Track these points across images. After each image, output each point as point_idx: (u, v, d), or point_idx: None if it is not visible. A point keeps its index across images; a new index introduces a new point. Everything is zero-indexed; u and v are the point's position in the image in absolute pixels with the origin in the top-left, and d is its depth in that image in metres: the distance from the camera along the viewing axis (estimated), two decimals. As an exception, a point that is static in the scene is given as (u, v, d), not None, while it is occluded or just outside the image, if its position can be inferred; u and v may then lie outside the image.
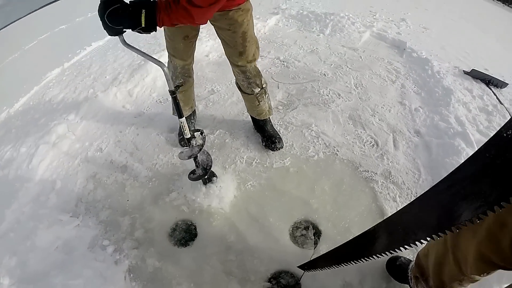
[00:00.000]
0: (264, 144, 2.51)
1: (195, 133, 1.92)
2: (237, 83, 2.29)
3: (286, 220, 2.08)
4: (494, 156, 0.70)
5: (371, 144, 2.45)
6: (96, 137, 2.75)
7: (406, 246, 0.98)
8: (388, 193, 2.11)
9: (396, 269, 1.72)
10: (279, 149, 2.47)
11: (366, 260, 1.22)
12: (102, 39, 3.90)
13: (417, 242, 0.93)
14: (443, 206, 0.83)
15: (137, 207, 2.35)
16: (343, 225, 1.98)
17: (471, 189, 0.74)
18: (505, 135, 0.69)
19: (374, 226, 1.17)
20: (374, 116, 2.64)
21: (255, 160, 2.49)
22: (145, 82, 3.08)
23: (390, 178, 2.19)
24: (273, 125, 2.57)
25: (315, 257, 1.70)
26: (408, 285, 1.67)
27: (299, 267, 1.78)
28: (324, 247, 1.90)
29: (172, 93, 1.69)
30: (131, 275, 2.02)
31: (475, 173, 0.74)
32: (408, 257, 1.78)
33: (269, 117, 2.49)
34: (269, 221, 2.09)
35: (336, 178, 2.27)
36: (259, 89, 2.23)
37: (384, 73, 3.09)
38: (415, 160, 2.30)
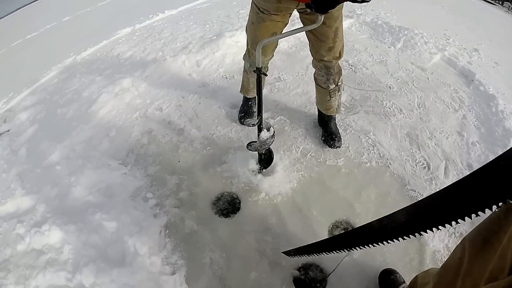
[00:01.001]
0: (323, 139, 2.45)
1: (269, 128, 1.93)
2: (315, 76, 2.25)
3: (327, 217, 2.04)
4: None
5: (423, 165, 2.35)
6: (158, 97, 2.74)
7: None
8: None
9: (388, 283, 1.66)
10: (337, 147, 2.40)
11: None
12: (175, 8, 3.95)
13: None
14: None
15: (187, 170, 2.30)
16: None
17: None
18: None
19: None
20: (431, 139, 2.55)
21: (310, 152, 2.43)
22: (214, 56, 3.08)
23: None
24: (336, 124, 2.52)
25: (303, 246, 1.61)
26: None
27: (284, 252, 1.74)
28: (356, 254, 1.83)
29: (259, 70, 1.67)
30: (167, 231, 2.00)
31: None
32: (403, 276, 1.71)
33: (335, 115, 2.44)
34: (312, 213, 2.05)
35: (383, 190, 2.19)
36: (335, 85, 2.19)
37: (448, 99, 2.97)
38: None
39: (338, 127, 2.50)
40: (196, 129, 2.55)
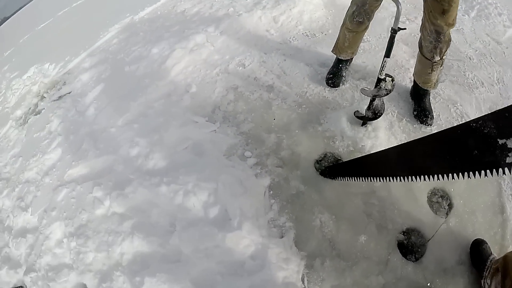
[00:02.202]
0: (415, 113, 2.23)
1: (387, 78, 1.78)
2: (420, 44, 2.02)
3: (427, 183, 1.86)
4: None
5: None
6: (238, 53, 2.46)
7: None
8: (511, 194, 1.96)
9: (478, 252, 1.70)
10: (428, 125, 2.18)
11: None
12: None
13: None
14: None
15: (284, 128, 2.03)
16: (471, 206, 1.87)
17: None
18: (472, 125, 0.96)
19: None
20: None
21: (405, 118, 2.21)
22: (291, 13, 2.78)
23: None
24: (430, 100, 2.30)
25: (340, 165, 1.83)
26: (477, 269, 1.64)
27: (321, 174, 1.86)
28: (452, 220, 1.81)
29: (394, 31, 1.64)
30: (271, 192, 1.80)
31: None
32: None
33: (431, 90, 2.23)
34: None
35: None
36: (439, 58, 1.97)
37: None
38: None
39: (431, 102, 2.28)
40: (287, 86, 2.26)
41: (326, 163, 1.94)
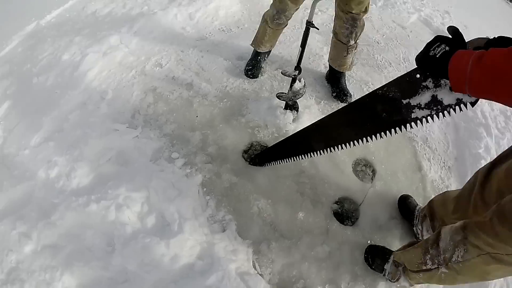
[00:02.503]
0: (334, 95, 2.39)
1: (300, 79, 1.93)
2: (335, 30, 2.15)
3: (349, 155, 2.13)
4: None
5: (436, 117, 2.48)
6: (154, 53, 2.38)
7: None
8: (425, 154, 2.26)
9: (405, 206, 1.92)
10: (347, 102, 2.36)
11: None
12: None
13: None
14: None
15: (207, 124, 2.05)
16: (392, 169, 2.12)
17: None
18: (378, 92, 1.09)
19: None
20: None
21: (323, 100, 2.38)
22: (207, 9, 2.75)
23: (427, 143, 2.33)
24: (346, 81, 2.48)
25: (266, 151, 1.92)
26: (408, 221, 1.89)
27: (249, 163, 1.95)
28: (378, 184, 2.03)
29: (309, 24, 1.72)
30: (205, 189, 1.82)
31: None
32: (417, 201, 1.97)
33: (346, 71, 2.40)
34: (337, 154, 2.05)
35: None
36: (354, 42, 2.12)
37: None
38: (446, 135, 2.41)
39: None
40: (206, 82, 2.25)
41: (253, 152, 1.99)
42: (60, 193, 1.66)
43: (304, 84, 1.98)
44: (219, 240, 1.59)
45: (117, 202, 1.61)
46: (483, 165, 1.44)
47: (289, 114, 2.11)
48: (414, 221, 1.85)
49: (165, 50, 2.41)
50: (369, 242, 1.79)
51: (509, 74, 0.77)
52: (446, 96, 0.99)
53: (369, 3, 1.98)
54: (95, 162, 1.80)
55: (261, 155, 1.91)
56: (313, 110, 2.25)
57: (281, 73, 1.92)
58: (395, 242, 1.83)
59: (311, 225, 1.81)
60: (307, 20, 1.72)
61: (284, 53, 2.63)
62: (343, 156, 2.09)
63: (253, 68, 2.35)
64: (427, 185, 2.08)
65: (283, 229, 1.76)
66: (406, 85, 1.04)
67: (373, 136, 1.23)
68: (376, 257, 1.69)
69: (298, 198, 1.88)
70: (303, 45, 1.81)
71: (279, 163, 1.78)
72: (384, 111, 1.11)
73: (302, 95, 1.99)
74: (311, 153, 1.53)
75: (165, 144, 1.91)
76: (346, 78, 2.45)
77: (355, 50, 2.22)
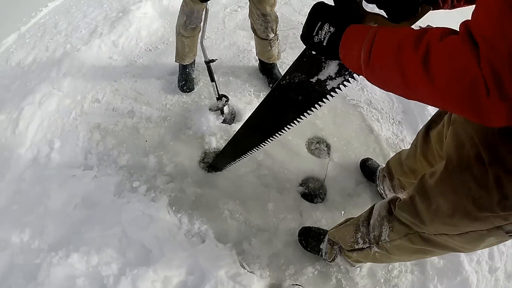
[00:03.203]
0: (271, 85, 2.48)
1: (223, 98, 2.04)
2: (253, 28, 2.22)
3: (301, 138, 2.19)
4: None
5: (352, 80, 2.61)
6: (88, 90, 2.38)
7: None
8: (373, 116, 2.34)
9: (368, 168, 1.99)
10: None
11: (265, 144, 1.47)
12: None
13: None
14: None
15: (159, 146, 2.12)
16: (345, 138, 2.21)
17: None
18: (282, 83, 1.07)
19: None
20: None
21: (262, 93, 2.45)
22: (129, 33, 2.74)
23: (372, 105, 2.40)
24: (279, 69, 2.56)
25: (218, 157, 1.94)
26: (373, 182, 1.95)
27: (208, 171, 2.02)
28: (335, 156, 2.12)
29: (208, 62, 1.87)
30: (173, 207, 1.87)
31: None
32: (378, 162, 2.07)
33: (276, 62, 2.48)
34: (288, 139, 2.15)
35: (331, 105, 2.33)
36: (273, 34, 2.20)
37: None
38: (388, 93, 2.46)
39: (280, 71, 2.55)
40: (146, 105, 2.30)
41: (209, 160, 2.07)
42: (39, 252, 1.68)
43: (232, 110, 2.20)
44: (201, 252, 1.66)
45: (95, 244, 1.67)
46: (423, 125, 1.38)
47: (232, 114, 2.24)
48: (377, 181, 1.90)
49: (99, 84, 2.41)
50: (343, 213, 1.88)
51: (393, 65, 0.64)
52: None
53: None
54: (63, 213, 1.83)
55: (216, 161, 1.99)
56: (254, 104, 2.33)
57: (209, 110, 2.06)
58: (367, 205, 1.79)
59: (284, 212, 1.87)
60: (204, 61, 1.85)
61: (213, 57, 2.68)
62: (295, 140, 2.16)
63: (186, 82, 2.40)
64: (383, 144, 2.18)
65: (258, 223, 1.83)
66: (307, 65, 1.00)
67: (301, 116, 1.21)
68: (309, 238, 1.69)
69: (264, 190, 1.95)
70: (213, 79, 1.93)
71: (234, 163, 1.83)
72: (298, 95, 1.09)
73: (228, 101, 2.09)
74: (256, 146, 1.53)
75: (124, 176, 1.96)
76: (278, 66, 2.53)
77: (278, 41, 2.31)
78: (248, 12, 2.16)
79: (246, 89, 2.46)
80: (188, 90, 2.39)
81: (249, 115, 1.43)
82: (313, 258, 1.72)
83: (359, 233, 1.33)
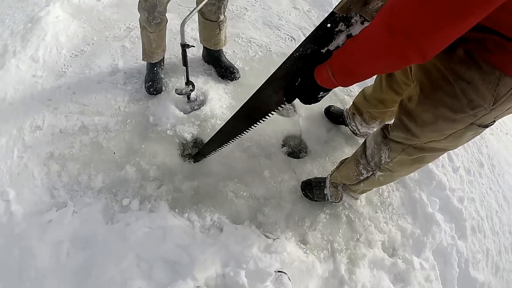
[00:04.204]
0: (220, 75, 2.26)
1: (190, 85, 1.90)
2: (201, 11, 1.95)
3: None
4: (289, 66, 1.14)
5: (290, 39, 2.72)
6: (22, 119, 1.95)
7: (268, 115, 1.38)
8: None
9: (332, 114, 2.14)
10: (237, 78, 2.26)
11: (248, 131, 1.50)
12: None
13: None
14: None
15: (131, 153, 1.85)
16: None
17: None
18: (295, 55, 1.10)
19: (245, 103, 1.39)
20: (281, 19, 2.85)
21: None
22: (46, 42, 2.29)
23: None
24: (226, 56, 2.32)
25: (204, 145, 1.85)
26: (342, 125, 2.11)
27: (194, 161, 1.90)
28: (302, 112, 2.17)
29: (183, 46, 1.66)
30: (176, 210, 1.70)
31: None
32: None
33: (223, 48, 2.23)
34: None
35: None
36: (223, 16, 1.99)
37: None
38: None
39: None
40: (97, 115, 1.97)
41: (189, 151, 1.89)
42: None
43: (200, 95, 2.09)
44: (225, 240, 1.57)
45: (117, 283, 1.43)
46: None
47: (196, 102, 2.08)
48: (347, 121, 2.04)
49: (32, 109, 1.98)
50: (327, 158, 2.00)
51: (357, 53, 0.89)
52: (358, 30, 1.00)
53: None
54: (58, 266, 1.51)
55: (201, 150, 1.83)
56: (221, 91, 2.21)
57: (176, 92, 1.82)
58: (344, 145, 2.07)
59: (280, 175, 1.88)
60: (181, 43, 1.63)
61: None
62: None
63: (153, 83, 2.07)
64: (336, 91, 2.30)
65: (262, 193, 1.81)
66: (320, 37, 1.04)
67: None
68: (312, 189, 1.79)
69: (254, 161, 1.91)
70: (185, 64, 1.76)
71: (225, 146, 1.72)
72: (307, 65, 1.10)
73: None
74: (248, 128, 1.50)
75: (107, 199, 1.68)
76: (225, 54, 2.31)
77: (226, 23, 2.07)
78: None
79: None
80: (155, 92, 2.07)
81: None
82: (320, 205, 1.81)
83: (361, 165, 1.49)
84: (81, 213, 1.64)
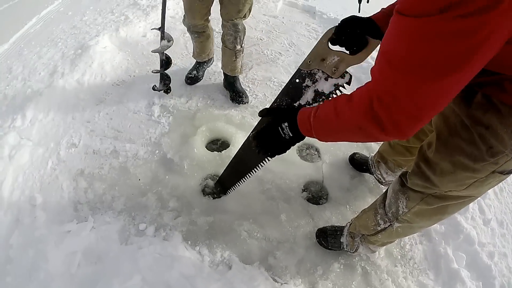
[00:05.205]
0: (231, 99, 2.48)
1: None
2: (223, 38, 2.28)
3: (291, 148, 2.22)
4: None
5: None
6: (61, 135, 2.13)
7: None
8: None
9: (357, 162, 2.10)
10: (245, 103, 2.47)
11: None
12: (6, 41, 2.97)
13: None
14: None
15: (154, 181, 1.96)
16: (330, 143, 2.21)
17: None
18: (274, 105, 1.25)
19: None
20: None
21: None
22: (92, 69, 2.51)
23: None
24: (241, 83, 2.58)
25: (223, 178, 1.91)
26: (367, 173, 2.08)
27: (216, 197, 1.94)
28: (326, 158, 2.16)
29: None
30: (189, 241, 1.74)
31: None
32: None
33: (238, 75, 2.50)
34: None
35: None
36: (240, 46, 2.27)
37: (306, 33, 3.35)
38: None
39: (244, 84, 2.61)
40: (129, 142, 2.12)
41: (211, 187, 1.97)
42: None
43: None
44: (232, 278, 1.57)
45: None
46: None
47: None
48: (372, 169, 2.00)
49: (71, 127, 2.17)
50: (348, 206, 1.94)
51: (335, 123, 0.88)
52: (325, 86, 1.13)
53: (248, 10, 2.10)
54: (67, 274, 1.58)
55: (219, 186, 1.92)
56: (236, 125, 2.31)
57: (153, 89, 2.23)
58: (367, 194, 2.01)
59: (297, 220, 1.87)
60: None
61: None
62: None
63: (192, 73, 2.53)
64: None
65: (276, 236, 1.79)
66: (292, 91, 1.18)
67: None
68: (327, 237, 1.73)
69: (272, 203, 1.92)
70: (164, 10, 1.94)
71: (238, 185, 1.78)
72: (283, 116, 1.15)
73: (170, 64, 2.20)
74: (259, 164, 1.53)
75: (125, 220, 1.77)
76: (241, 81, 2.56)
77: (243, 54, 2.36)
78: (222, 25, 2.22)
79: (211, 106, 2.46)
80: (190, 82, 2.53)
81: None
82: (335, 254, 1.75)
83: (378, 215, 1.41)
84: (99, 230, 1.74)
